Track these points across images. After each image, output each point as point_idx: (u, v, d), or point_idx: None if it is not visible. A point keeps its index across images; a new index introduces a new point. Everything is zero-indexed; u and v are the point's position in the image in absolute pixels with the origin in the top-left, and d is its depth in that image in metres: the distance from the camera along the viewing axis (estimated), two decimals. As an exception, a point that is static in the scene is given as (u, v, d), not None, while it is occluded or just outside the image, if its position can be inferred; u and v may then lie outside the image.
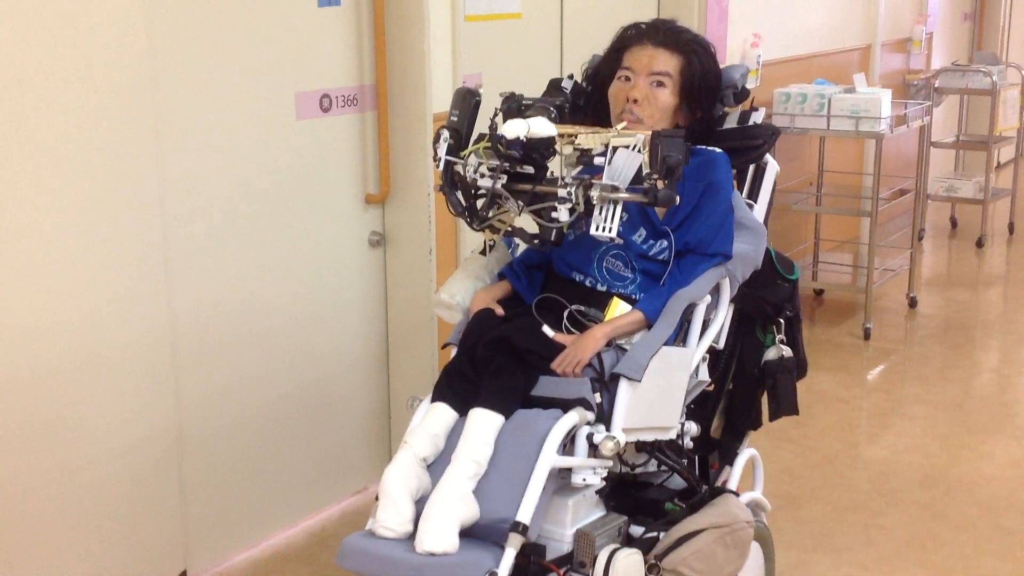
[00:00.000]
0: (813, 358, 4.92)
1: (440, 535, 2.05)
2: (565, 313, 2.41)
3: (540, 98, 2.39)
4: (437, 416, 2.26)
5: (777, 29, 5.50)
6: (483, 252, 2.62)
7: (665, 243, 2.44)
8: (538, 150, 2.27)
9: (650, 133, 2.20)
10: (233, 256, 3.09)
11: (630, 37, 2.54)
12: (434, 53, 3.40)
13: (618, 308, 2.40)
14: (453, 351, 2.43)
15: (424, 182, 3.41)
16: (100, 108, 2.64)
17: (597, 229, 2.21)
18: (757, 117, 2.64)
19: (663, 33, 2.51)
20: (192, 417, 3.03)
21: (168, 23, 2.82)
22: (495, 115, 2.36)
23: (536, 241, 2.31)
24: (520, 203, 2.29)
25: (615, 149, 2.21)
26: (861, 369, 4.91)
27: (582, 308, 2.41)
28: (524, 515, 2.08)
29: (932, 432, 4.16)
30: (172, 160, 2.88)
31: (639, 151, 2.19)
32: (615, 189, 2.19)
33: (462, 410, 2.25)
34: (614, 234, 2.20)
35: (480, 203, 2.36)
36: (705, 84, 2.52)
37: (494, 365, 2.26)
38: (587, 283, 2.48)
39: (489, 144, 2.29)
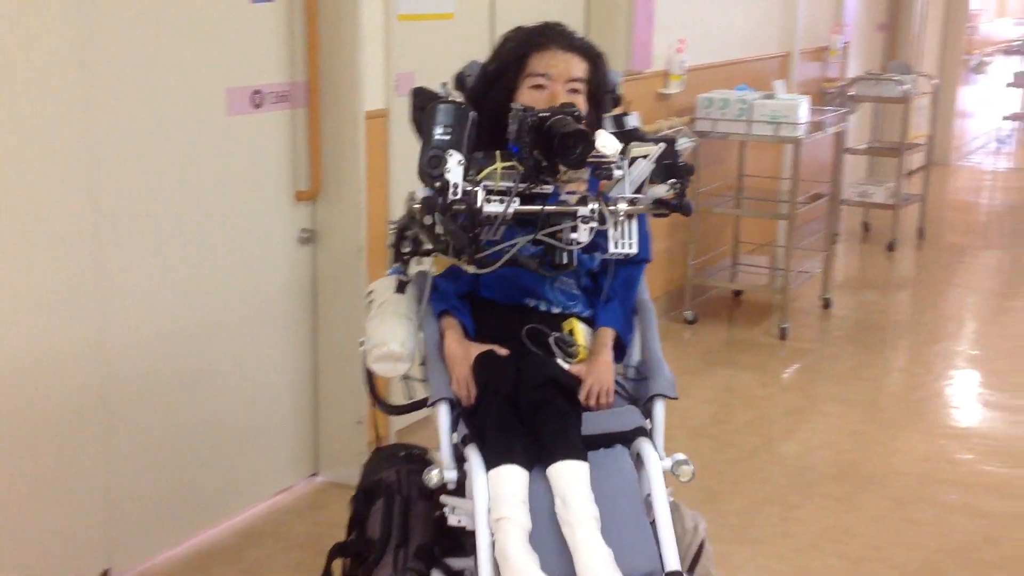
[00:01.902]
0: (732, 357, 5.10)
1: None
2: (551, 341, 2.30)
3: (556, 108, 2.13)
4: (517, 480, 2.02)
5: (702, 36, 5.62)
6: (399, 290, 2.37)
7: (598, 254, 2.34)
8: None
9: (664, 143, 2.12)
10: (163, 252, 3.08)
11: (533, 42, 2.38)
12: (366, 51, 3.41)
13: (581, 328, 2.35)
14: (443, 407, 2.18)
15: (356, 179, 3.43)
16: (27, 103, 2.61)
17: (616, 246, 2.11)
18: (633, 121, 2.52)
19: (568, 37, 2.40)
20: (117, 413, 3.00)
21: (98, 18, 2.80)
22: (520, 128, 2.07)
23: (544, 267, 2.12)
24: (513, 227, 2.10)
25: (633, 160, 2.11)
26: (778, 368, 5.04)
27: (559, 335, 2.32)
28: (674, 562, 1.99)
29: (845, 428, 4.30)
30: (102, 155, 2.85)
31: (653, 161, 2.11)
32: (635, 203, 2.12)
33: (530, 466, 2.06)
34: (635, 250, 2.12)
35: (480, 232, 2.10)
36: (605, 89, 2.45)
37: (553, 410, 2.10)
38: (541, 307, 2.37)
39: (510, 164, 2.08)
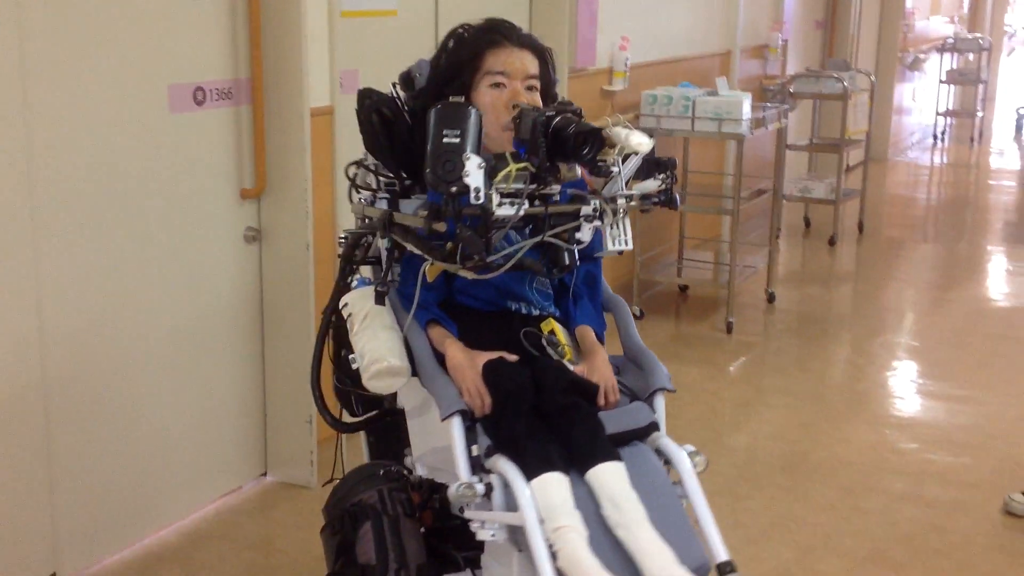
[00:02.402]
0: (679, 351, 5.13)
1: None
2: (544, 342, 2.27)
3: (558, 106, 2.11)
4: (563, 487, 1.99)
5: (644, 33, 5.66)
6: (379, 301, 2.26)
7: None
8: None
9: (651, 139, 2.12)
10: (105, 251, 3.02)
11: (488, 40, 2.31)
12: (310, 48, 3.38)
13: (560, 328, 2.32)
14: (457, 420, 2.10)
15: (301, 177, 3.40)
16: (-34, 97, 2.56)
17: (614, 243, 2.10)
18: None
19: (520, 34, 2.33)
20: (61, 416, 2.95)
21: (38, 14, 2.74)
22: (534, 128, 2.04)
23: (553, 269, 2.07)
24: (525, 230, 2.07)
25: (626, 156, 2.09)
26: (724, 361, 5.09)
27: (548, 336, 2.29)
28: (724, 552, 2.02)
29: (792, 420, 4.34)
30: (42, 154, 2.80)
31: (643, 158, 2.10)
32: (631, 198, 2.11)
33: (567, 470, 2.02)
34: (631, 246, 2.11)
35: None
36: (552, 86, 2.41)
37: (581, 413, 2.10)
38: (523, 310, 2.32)
39: (522, 166, 2.01)
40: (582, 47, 4.96)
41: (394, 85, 2.35)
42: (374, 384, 2.20)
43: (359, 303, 2.30)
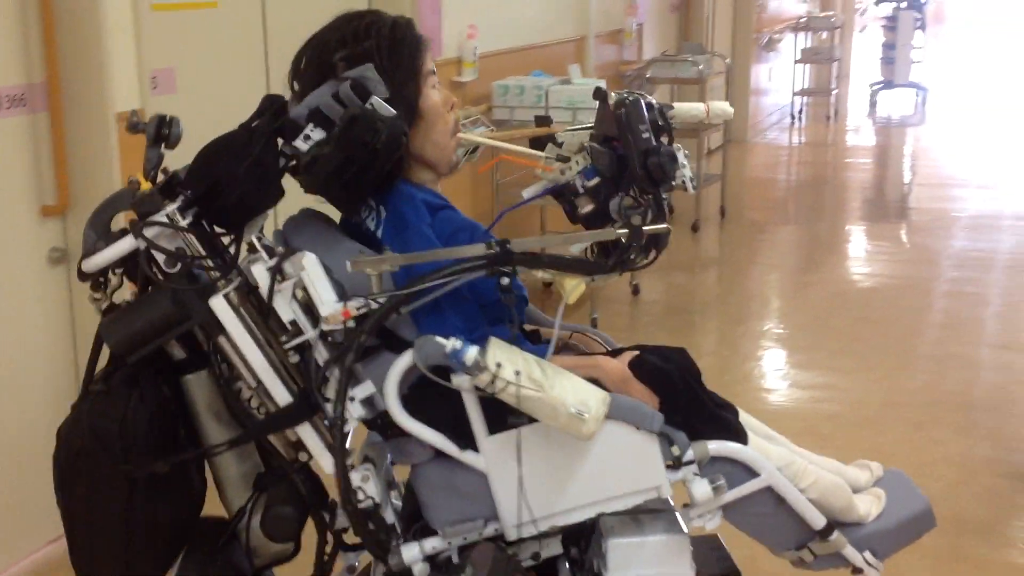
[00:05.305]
0: (542, 352, 4.95)
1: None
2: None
3: (634, 91, 2.10)
4: (769, 444, 2.22)
5: (493, 21, 5.44)
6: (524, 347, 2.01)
7: None
8: None
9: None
10: None
11: (419, 37, 2.09)
12: (115, 46, 3.08)
13: None
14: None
15: (109, 189, 3.05)
16: None
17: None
18: None
19: None
20: None
21: None
22: (656, 112, 2.03)
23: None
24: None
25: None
26: (589, 359, 4.92)
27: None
28: None
29: (657, 420, 4.20)
30: None
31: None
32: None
33: None
34: None
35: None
36: None
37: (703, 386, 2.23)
38: (527, 325, 2.31)
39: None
40: (426, 36, 4.71)
41: (362, 97, 1.91)
42: (591, 430, 1.92)
43: (515, 357, 1.91)
